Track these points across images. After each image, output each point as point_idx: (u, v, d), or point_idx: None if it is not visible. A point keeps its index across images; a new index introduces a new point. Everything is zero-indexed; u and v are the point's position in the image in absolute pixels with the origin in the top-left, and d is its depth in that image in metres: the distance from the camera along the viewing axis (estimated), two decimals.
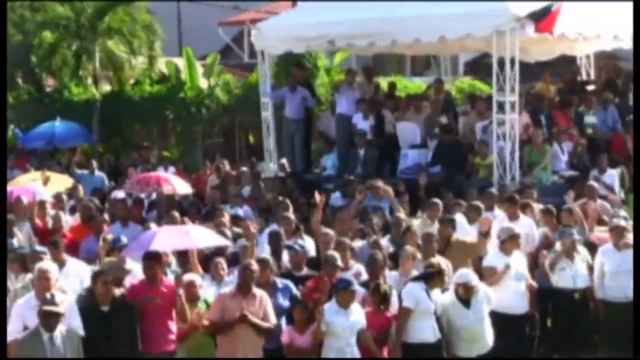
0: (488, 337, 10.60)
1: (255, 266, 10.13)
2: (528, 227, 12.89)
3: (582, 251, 12.01)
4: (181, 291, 9.91)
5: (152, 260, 10.04)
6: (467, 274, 10.58)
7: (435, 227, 12.38)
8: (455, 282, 10.51)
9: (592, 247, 12.28)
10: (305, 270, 11.19)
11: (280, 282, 10.65)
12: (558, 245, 11.88)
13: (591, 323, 11.85)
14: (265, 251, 11.68)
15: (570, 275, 11.61)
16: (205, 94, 25.99)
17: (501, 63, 15.41)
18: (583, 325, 11.69)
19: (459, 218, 12.95)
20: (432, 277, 10.32)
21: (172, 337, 10.02)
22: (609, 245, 11.96)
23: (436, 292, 10.38)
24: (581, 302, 11.68)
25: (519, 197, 13.51)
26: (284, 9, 25.04)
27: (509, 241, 11.34)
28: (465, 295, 10.40)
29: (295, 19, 18.63)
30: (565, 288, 11.62)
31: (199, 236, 10.86)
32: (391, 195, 14.09)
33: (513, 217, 13.05)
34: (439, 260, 10.70)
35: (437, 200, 13.49)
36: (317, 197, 12.58)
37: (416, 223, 12.91)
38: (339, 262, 10.64)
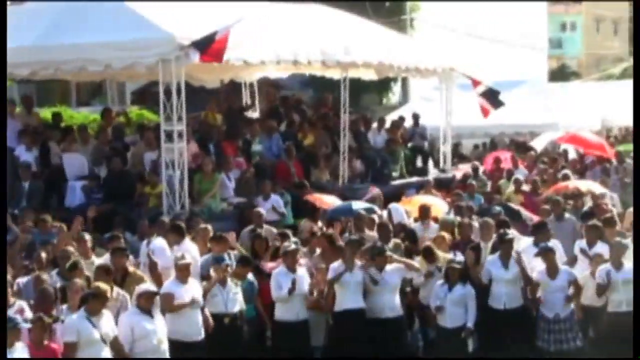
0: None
1: None
2: (194, 253, 12.99)
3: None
4: None
5: None
6: (149, 285, 11.04)
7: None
8: (136, 295, 10.76)
9: None
10: None
11: None
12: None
13: (245, 345, 12.15)
14: None
15: (222, 300, 11.91)
16: None
17: (168, 92, 15.45)
18: (238, 347, 11.96)
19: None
20: (87, 301, 10.26)
21: None
22: (283, 267, 12.45)
23: (103, 319, 10.28)
24: (232, 326, 11.95)
25: (184, 225, 13.56)
26: None
27: (179, 268, 11.58)
28: (147, 305, 10.66)
29: None
30: (218, 313, 11.87)
31: None
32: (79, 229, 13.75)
33: (177, 243, 13.05)
34: (99, 284, 10.63)
35: (117, 233, 13.32)
36: None
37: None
38: None
